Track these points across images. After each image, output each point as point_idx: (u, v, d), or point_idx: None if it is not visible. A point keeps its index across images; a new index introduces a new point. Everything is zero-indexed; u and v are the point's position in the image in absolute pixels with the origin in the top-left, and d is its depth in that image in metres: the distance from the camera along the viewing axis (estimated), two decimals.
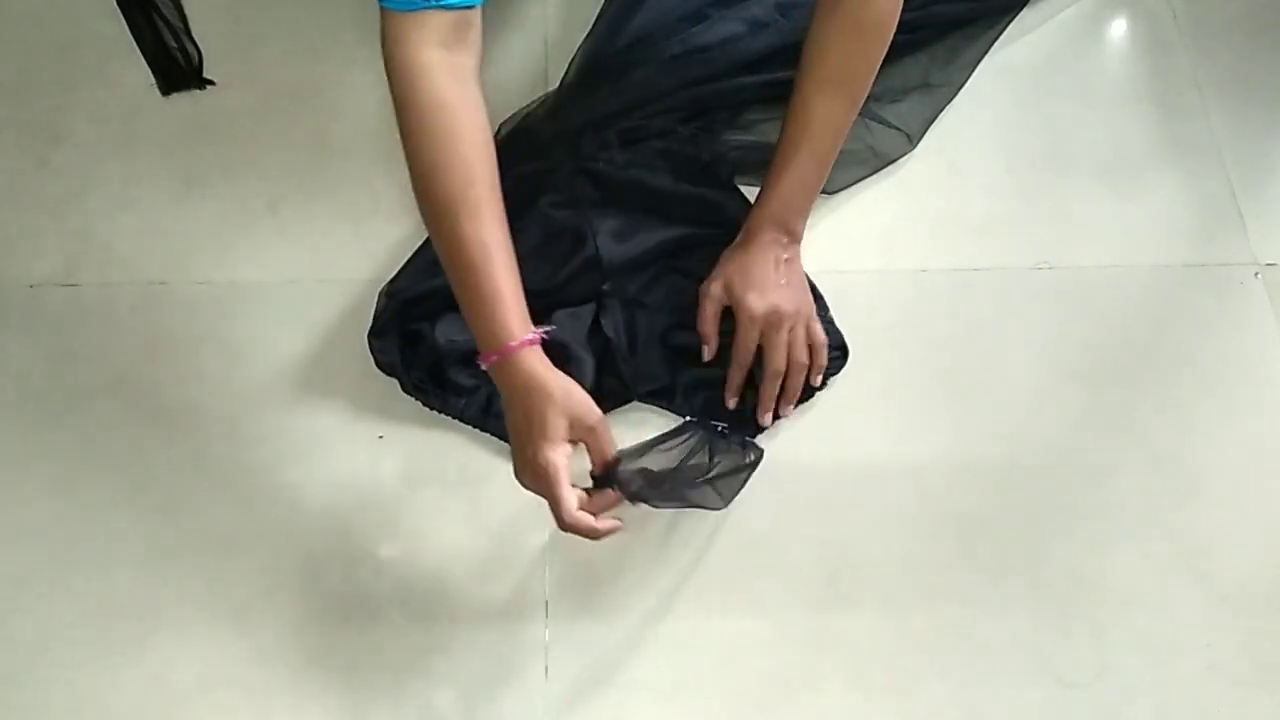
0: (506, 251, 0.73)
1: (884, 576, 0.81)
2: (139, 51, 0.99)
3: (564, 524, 0.70)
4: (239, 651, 0.77)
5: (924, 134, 0.97)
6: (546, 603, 0.79)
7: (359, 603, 0.79)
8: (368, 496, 0.83)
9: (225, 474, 0.83)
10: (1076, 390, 0.88)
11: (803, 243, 0.87)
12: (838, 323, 0.89)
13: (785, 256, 0.84)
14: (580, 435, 0.72)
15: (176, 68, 0.98)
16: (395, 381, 0.85)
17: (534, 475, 0.71)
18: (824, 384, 0.86)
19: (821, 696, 0.77)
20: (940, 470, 0.85)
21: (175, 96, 0.98)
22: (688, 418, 0.84)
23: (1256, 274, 0.93)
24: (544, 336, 0.73)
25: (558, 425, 0.70)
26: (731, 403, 0.84)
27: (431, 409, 0.84)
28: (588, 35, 0.96)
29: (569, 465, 0.70)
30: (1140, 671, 0.79)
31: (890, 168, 0.96)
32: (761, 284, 0.82)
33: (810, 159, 0.83)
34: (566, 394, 0.71)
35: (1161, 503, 0.84)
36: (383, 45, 0.72)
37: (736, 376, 0.84)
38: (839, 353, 0.87)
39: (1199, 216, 0.96)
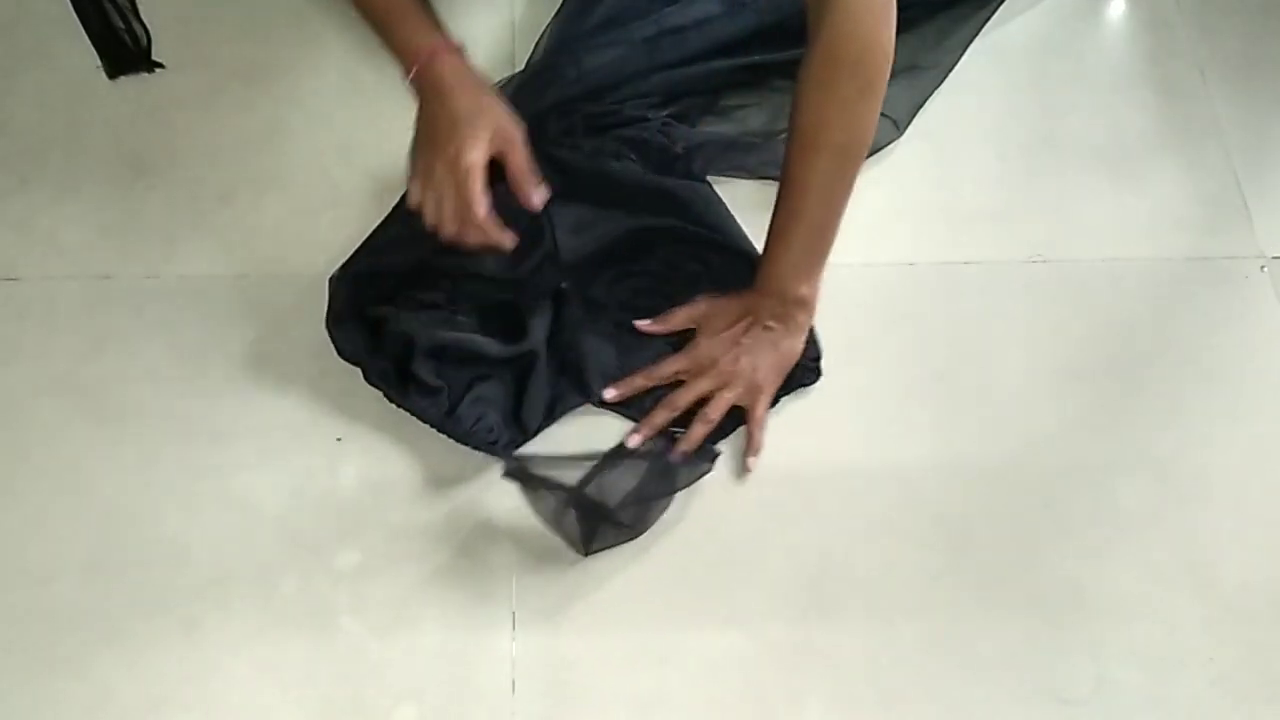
0: None
1: (869, 586, 0.80)
2: (84, 32, 0.98)
3: (475, 221, 0.75)
4: (190, 667, 0.76)
5: (911, 120, 0.97)
6: (513, 614, 0.79)
7: (315, 615, 0.78)
8: (325, 502, 0.81)
9: (175, 479, 0.82)
10: (1073, 390, 0.88)
11: None
12: (822, 317, 0.87)
13: (770, 324, 0.82)
14: (500, 145, 0.76)
15: (123, 49, 0.97)
16: (354, 381, 0.84)
17: (449, 175, 0.74)
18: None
19: (803, 713, 0.76)
20: (928, 474, 0.84)
21: (122, 80, 0.98)
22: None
23: (1262, 267, 0.93)
24: (460, 45, 0.78)
25: (482, 127, 0.75)
26: (634, 440, 0.82)
27: (392, 402, 0.83)
28: (556, 14, 0.95)
29: (485, 171, 0.75)
30: (1140, 686, 0.78)
31: (875, 156, 0.95)
32: (717, 329, 0.83)
33: (806, 229, 0.80)
34: (492, 102, 0.77)
35: (1162, 508, 0.84)
36: None
37: (659, 415, 0.82)
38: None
39: (1201, 207, 0.96)
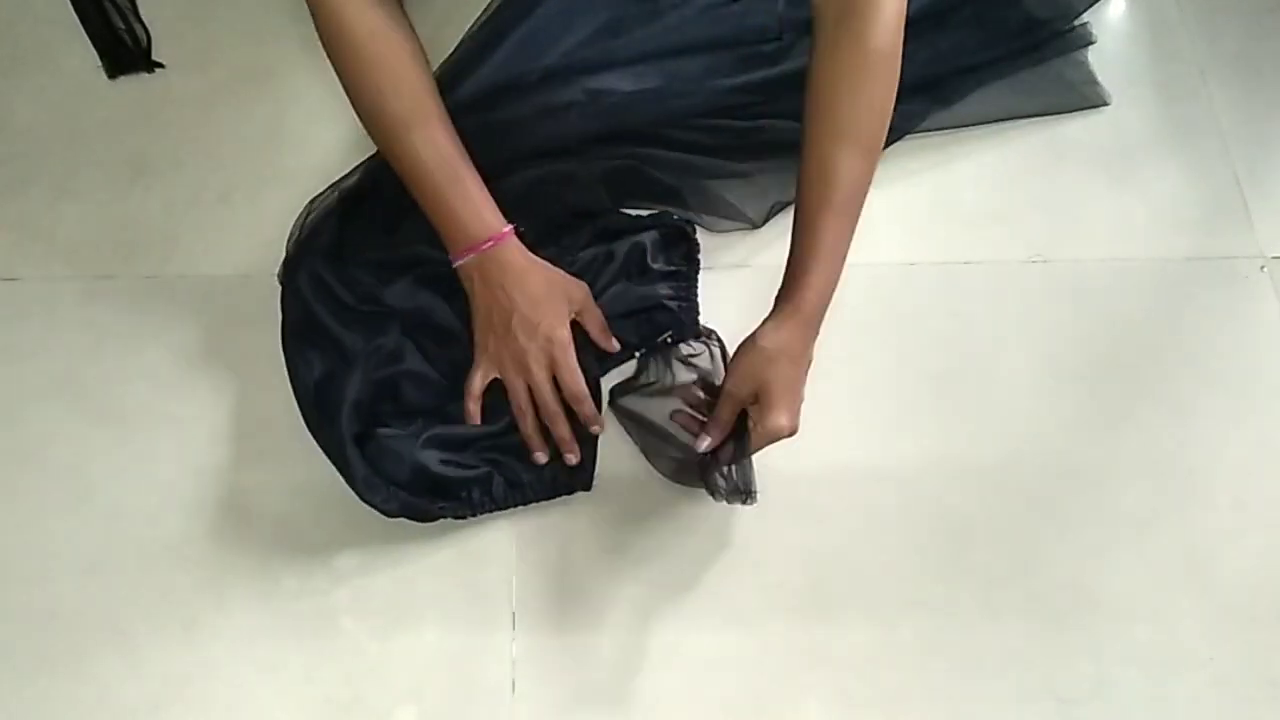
0: (463, 153, 0.78)
1: (869, 586, 0.80)
2: (84, 32, 0.98)
3: (573, 391, 0.78)
4: (190, 666, 0.76)
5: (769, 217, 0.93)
6: (514, 614, 0.78)
7: (316, 615, 0.78)
8: (325, 502, 0.81)
9: (175, 479, 0.82)
10: (1073, 390, 0.88)
11: (776, 246, 0.84)
12: (828, 320, 0.85)
13: (805, 367, 0.76)
14: (579, 309, 0.80)
15: (124, 49, 0.97)
16: None
17: (542, 354, 0.77)
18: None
19: (803, 712, 0.76)
20: (929, 474, 0.84)
21: (122, 80, 0.97)
22: (638, 353, 0.85)
23: (1262, 267, 0.93)
24: (519, 229, 0.79)
25: (565, 295, 0.79)
26: (704, 444, 0.77)
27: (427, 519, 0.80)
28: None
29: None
30: (1140, 686, 0.78)
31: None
32: (792, 404, 0.74)
33: (839, 228, 0.75)
34: (561, 275, 0.80)
35: (1162, 508, 0.84)
36: None
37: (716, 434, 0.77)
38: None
39: (1202, 207, 0.95)
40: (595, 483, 0.81)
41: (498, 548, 0.80)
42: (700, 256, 0.88)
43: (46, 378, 0.85)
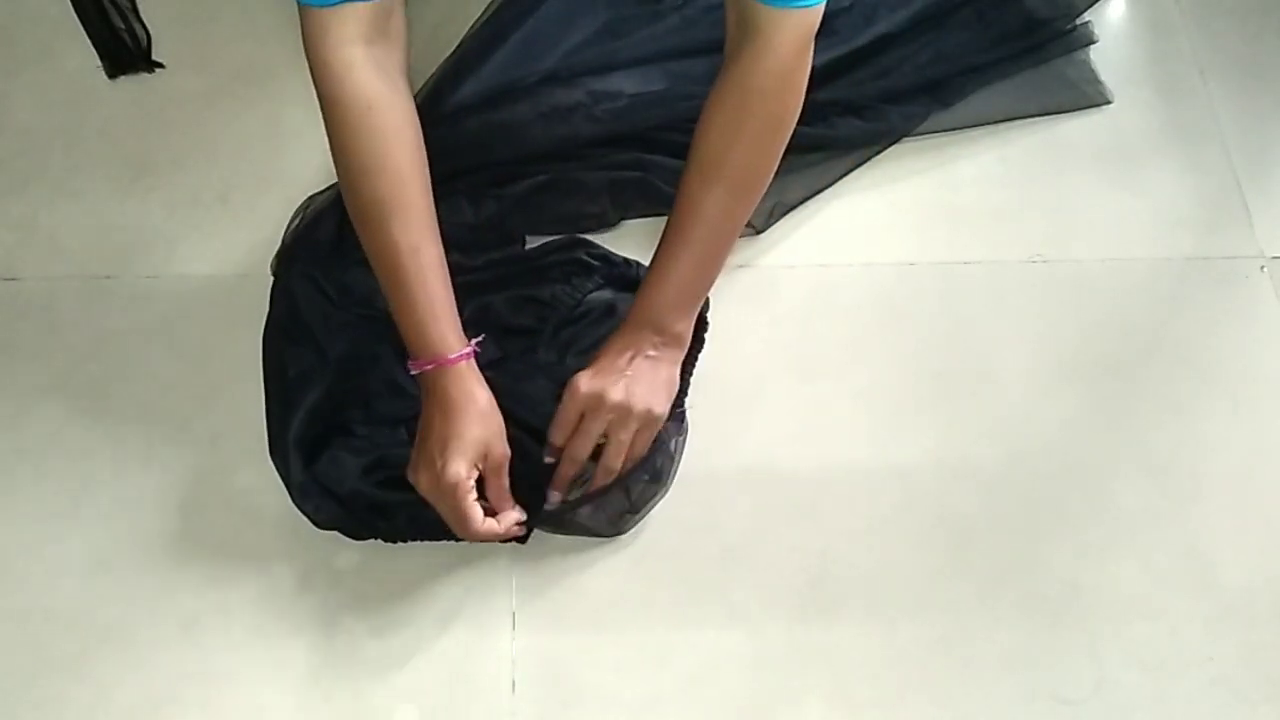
0: (438, 257, 0.74)
1: (869, 586, 0.80)
2: (84, 32, 0.98)
3: (472, 535, 0.73)
4: (189, 666, 0.76)
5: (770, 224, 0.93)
6: (513, 613, 0.78)
7: (315, 615, 0.78)
8: None
9: (174, 478, 0.82)
10: (1072, 390, 0.87)
11: (776, 246, 0.86)
12: (822, 317, 0.87)
13: (650, 353, 0.78)
14: (486, 468, 0.74)
15: (124, 49, 0.97)
16: None
17: (438, 486, 0.72)
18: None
19: (802, 712, 0.76)
20: (928, 474, 0.83)
21: (122, 80, 0.97)
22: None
23: (1262, 267, 0.93)
24: (476, 349, 0.75)
25: (474, 445, 0.72)
26: (554, 497, 0.78)
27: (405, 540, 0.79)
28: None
29: (472, 483, 0.73)
30: (1140, 686, 0.77)
31: (876, 156, 0.95)
32: (599, 367, 0.77)
33: (692, 261, 0.77)
34: (492, 421, 0.74)
35: (1161, 508, 0.83)
36: (304, 44, 0.72)
37: (566, 469, 0.78)
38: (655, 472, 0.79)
39: (1201, 207, 0.95)
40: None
41: (497, 548, 0.79)
42: (706, 335, 0.84)
43: (46, 378, 0.85)
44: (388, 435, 0.80)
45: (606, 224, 0.90)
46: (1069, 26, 0.99)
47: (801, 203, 0.92)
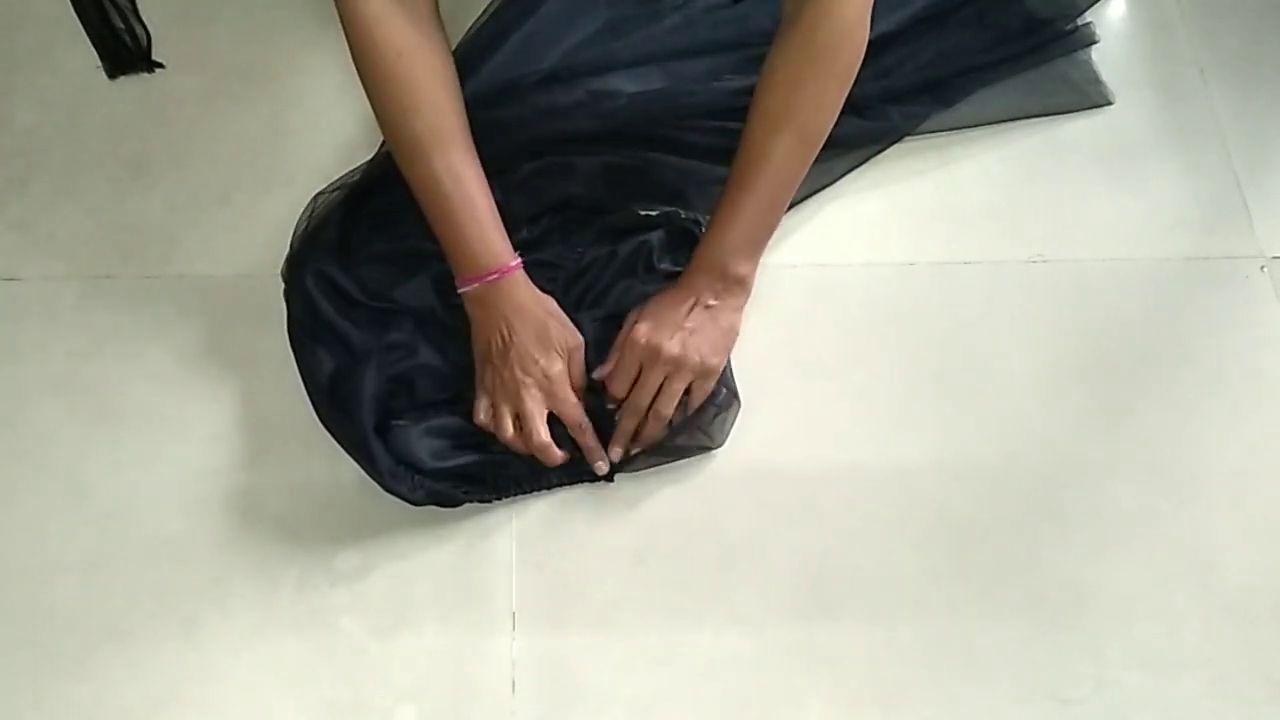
0: (481, 180, 0.78)
1: (870, 586, 0.80)
2: (84, 32, 0.98)
3: (574, 421, 0.79)
4: (190, 667, 0.76)
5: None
6: (514, 614, 0.78)
7: (315, 615, 0.78)
8: (325, 503, 0.81)
9: (175, 479, 0.82)
10: (1073, 390, 0.87)
11: (776, 246, 0.86)
12: (822, 317, 0.88)
13: (711, 302, 0.81)
14: (569, 357, 0.79)
15: (124, 49, 0.97)
16: None
17: (534, 386, 0.77)
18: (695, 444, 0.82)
19: (803, 712, 0.76)
20: (929, 474, 0.84)
21: (122, 80, 0.97)
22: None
23: (1262, 267, 0.93)
24: (525, 260, 0.80)
25: (561, 339, 0.78)
26: (616, 452, 0.80)
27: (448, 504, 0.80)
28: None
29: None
30: (1140, 686, 0.78)
31: (876, 156, 0.95)
32: (659, 318, 0.80)
33: (758, 205, 0.80)
34: (560, 319, 0.80)
35: (1162, 508, 0.83)
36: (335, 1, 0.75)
37: (628, 421, 0.80)
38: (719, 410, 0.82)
39: (1201, 207, 0.95)
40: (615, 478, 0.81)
41: (498, 548, 0.80)
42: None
43: (46, 378, 0.84)
44: (436, 412, 0.81)
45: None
46: (1070, 27, 0.99)
47: (801, 202, 0.92)
